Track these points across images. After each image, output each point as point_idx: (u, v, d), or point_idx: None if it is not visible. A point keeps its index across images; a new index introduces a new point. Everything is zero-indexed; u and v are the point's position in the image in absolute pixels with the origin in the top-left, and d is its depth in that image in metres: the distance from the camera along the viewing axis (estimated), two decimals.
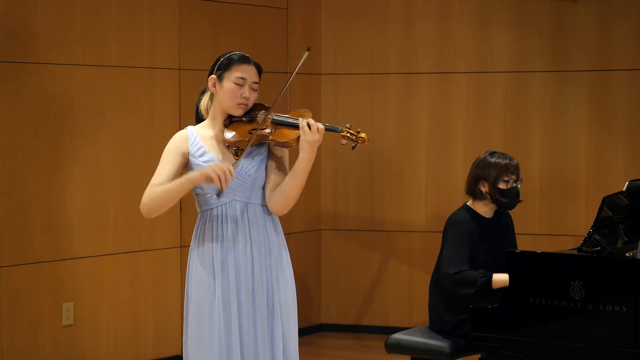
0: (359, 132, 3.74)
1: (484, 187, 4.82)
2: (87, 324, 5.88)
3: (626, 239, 4.79)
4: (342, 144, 3.78)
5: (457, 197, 6.77)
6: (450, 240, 4.77)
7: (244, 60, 3.84)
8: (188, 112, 6.32)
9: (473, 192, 4.87)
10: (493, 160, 4.82)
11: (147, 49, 6.13)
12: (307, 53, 3.82)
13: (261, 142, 3.80)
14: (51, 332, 5.73)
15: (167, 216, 6.21)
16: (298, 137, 3.74)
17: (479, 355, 4.96)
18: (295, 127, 3.76)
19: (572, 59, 6.73)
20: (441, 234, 4.90)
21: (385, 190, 7.13)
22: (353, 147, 3.77)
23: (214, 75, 3.83)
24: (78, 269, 5.83)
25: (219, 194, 3.69)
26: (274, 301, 3.80)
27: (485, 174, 4.81)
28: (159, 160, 6.20)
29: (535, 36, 6.81)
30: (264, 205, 3.83)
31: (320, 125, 3.72)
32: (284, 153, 3.88)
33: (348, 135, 3.73)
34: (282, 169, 3.85)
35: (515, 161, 4.83)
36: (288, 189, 3.77)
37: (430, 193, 7.03)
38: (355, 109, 7.18)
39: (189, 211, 6.30)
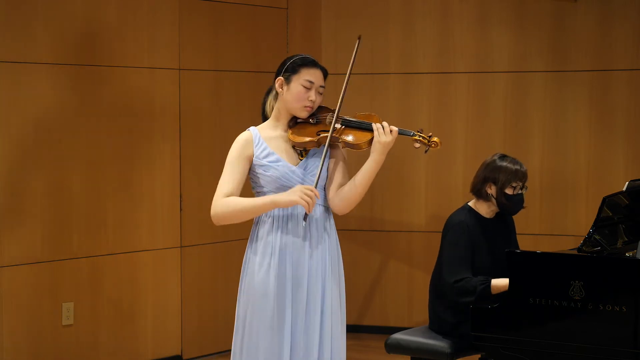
0: (430, 136, 3.79)
1: (490, 189, 4.82)
2: (87, 324, 5.88)
3: (626, 239, 4.79)
4: (416, 148, 3.83)
5: (457, 197, 6.77)
6: (450, 244, 4.76)
7: (312, 64, 3.86)
8: (188, 112, 6.33)
9: (479, 192, 4.87)
10: (503, 164, 4.81)
11: (147, 49, 6.13)
12: (358, 41, 3.84)
13: (330, 143, 3.81)
14: (51, 332, 5.73)
15: (167, 216, 6.22)
16: (369, 140, 3.77)
17: (479, 355, 4.96)
18: (366, 129, 3.79)
19: (572, 59, 6.73)
20: (441, 234, 4.89)
21: (385, 190, 7.13)
22: (426, 151, 3.82)
23: (281, 77, 3.85)
24: (78, 269, 5.83)
25: (306, 217, 3.72)
26: (325, 300, 3.82)
27: (494, 176, 4.80)
28: (159, 160, 6.24)
29: (535, 36, 6.81)
30: (325, 205, 3.86)
31: (395, 128, 3.76)
32: (345, 153, 3.91)
33: (420, 139, 3.78)
34: (345, 170, 3.88)
35: (524, 168, 4.83)
36: (354, 190, 3.81)
37: (430, 193, 7.03)
38: (355, 109, 7.16)
39: (189, 211, 6.30)
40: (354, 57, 3.86)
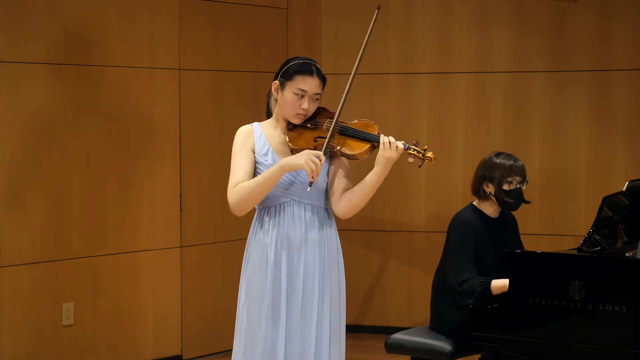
0: (426, 150, 3.74)
1: (488, 187, 4.83)
2: (87, 324, 5.88)
3: (626, 239, 4.79)
4: (409, 162, 3.78)
5: (457, 197, 6.77)
6: (454, 243, 4.76)
7: (307, 71, 3.81)
8: (188, 112, 6.33)
9: (478, 192, 4.88)
10: (498, 161, 4.84)
11: (147, 49, 6.13)
12: (377, 11, 3.80)
13: (328, 151, 3.79)
14: (51, 332, 5.73)
15: (167, 216, 6.22)
16: (366, 151, 3.75)
17: (479, 355, 4.96)
18: (364, 139, 3.75)
19: (572, 59, 6.73)
20: (442, 234, 4.89)
21: (385, 190, 7.12)
22: (420, 166, 3.78)
23: (277, 82, 3.84)
24: (78, 269, 5.83)
25: (311, 184, 3.71)
26: (324, 302, 3.81)
27: (490, 174, 4.82)
28: (159, 160, 6.23)
29: (535, 36, 6.81)
30: (326, 207, 3.86)
31: (400, 145, 3.71)
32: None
33: (415, 153, 3.73)
34: (346, 174, 3.86)
35: (520, 162, 4.84)
36: (356, 198, 3.80)
37: (430, 193, 7.03)
38: (355, 109, 7.17)
39: (189, 211, 6.30)
40: (370, 30, 3.79)
